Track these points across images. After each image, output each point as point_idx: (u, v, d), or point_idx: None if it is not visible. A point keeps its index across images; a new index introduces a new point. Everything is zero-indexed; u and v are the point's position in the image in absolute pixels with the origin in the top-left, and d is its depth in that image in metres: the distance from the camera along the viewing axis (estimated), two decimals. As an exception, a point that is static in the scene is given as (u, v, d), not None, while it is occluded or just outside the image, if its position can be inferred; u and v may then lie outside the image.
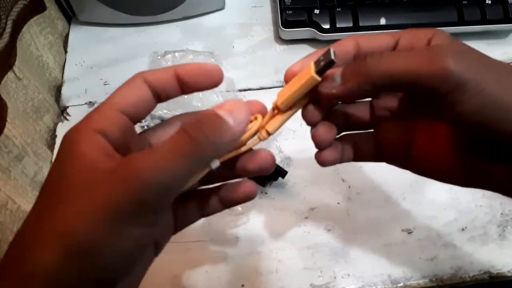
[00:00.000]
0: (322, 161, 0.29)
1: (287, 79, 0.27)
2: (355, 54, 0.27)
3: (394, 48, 0.27)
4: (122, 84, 0.24)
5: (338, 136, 0.30)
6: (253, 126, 0.26)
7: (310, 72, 0.24)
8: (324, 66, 0.24)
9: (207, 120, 0.22)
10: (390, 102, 0.29)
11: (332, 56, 0.24)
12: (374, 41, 0.27)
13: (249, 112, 0.23)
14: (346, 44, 0.27)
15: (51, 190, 0.22)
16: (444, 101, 0.23)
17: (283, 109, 0.26)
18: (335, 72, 0.25)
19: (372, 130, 0.30)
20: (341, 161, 0.30)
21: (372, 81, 0.24)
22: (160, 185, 0.20)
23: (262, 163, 0.26)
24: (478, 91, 0.22)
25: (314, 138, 0.28)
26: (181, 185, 0.22)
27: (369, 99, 0.30)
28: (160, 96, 0.25)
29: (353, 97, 0.26)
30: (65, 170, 0.22)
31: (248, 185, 0.27)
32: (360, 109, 0.30)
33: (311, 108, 0.27)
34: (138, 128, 0.47)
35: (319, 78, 0.24)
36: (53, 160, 0.22)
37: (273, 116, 0.27)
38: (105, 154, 0.22)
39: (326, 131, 0.28)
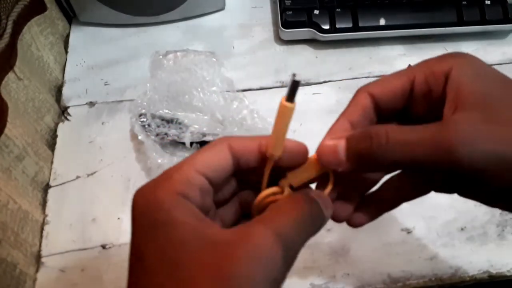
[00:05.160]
0: (353, 226, 0.29)
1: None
2: (373, 105, 0.26)
3: (411, 91, 0.25)
4: (205, 146, 0.24)
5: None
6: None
7: (283, 102, 0.23)
8: (291, 90, 0.23)
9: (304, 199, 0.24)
10: None
11: (296, 78, 0.23)
12: (388, 87, 0.26)
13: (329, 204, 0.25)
14: (361, 97, 0.26)
15: (156, 267, 0.20)
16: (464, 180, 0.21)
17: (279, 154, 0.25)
18: (339, 144, 0.24)
19: None
20: (386, 210, 0.29)
21: (378, 165, 0.23)
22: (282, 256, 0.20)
23: None
24: (502, 171, 0.20)
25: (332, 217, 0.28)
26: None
27: None
28: (240, 165, 0.24)
29: (361, 173, 0.25)
30: (165, 241, 0.20)
31: None
32: None
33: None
34: (139, 127, 0.47)
35: (292, 104, 0.23)
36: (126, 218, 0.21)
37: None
38: (199, 220, 0.21)
39: (341, 209, 0.28)
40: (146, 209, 0.21)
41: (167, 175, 0.22)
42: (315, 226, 0.24)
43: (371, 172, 0.24)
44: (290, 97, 0.23)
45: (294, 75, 0.22)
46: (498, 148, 0.20)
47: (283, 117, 0.23)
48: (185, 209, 0.21)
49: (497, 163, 0.20)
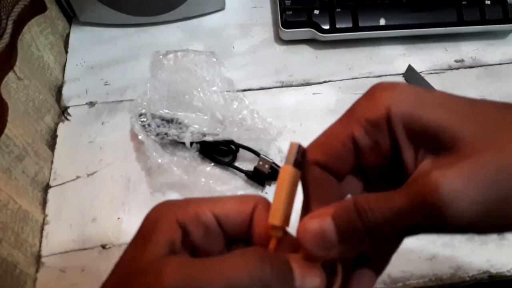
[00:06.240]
0: None
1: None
2: (327, 173, 0.23)
3: (356, 147, 0.22)
4: (234, 196, 0.24)
5: None
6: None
7: (289, 169, 0.22)
8: (298, 158, 0.22)
9: (281, 267, 0.21)
10: None
11: (301, 147, 0.22)
12: (329, 151, 0.22)
13: (323, 283, 0.22)
14: (314, 173, 0.23)
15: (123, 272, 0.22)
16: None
17: (283, 225, 0.23)
18: (325, 226, 0.21)
19: None
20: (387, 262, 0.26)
21: (369, 242, 0.20)
22: None
23: None
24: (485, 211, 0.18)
25: None
26: None
27: None
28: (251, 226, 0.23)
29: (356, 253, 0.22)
30: (139, 252, 0.22)
31: None
32: None
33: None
34: (139, 127, 0.47)
35: (298, 170, 0.23)
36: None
37: (277, 241, 0.23)
38: (170, 250, 0.21)
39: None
40: (149, 216, 0.23)
41: (186, 202, 0.23)
42: None
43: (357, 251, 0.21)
44: (289, 161, 0.22)
45: (299, 146, 0.23)
46: (478, 198, 0.18)
47: (286, 183, 0.22)
48: (164, 236, 0.21)
49: (480, 212, 0.18)
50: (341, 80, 0.56)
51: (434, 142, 0.20)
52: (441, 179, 0.18)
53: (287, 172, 0.22)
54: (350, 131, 0.22)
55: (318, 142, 0.23)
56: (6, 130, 0.41)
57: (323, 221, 0.21)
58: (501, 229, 0.19)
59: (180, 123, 0.48)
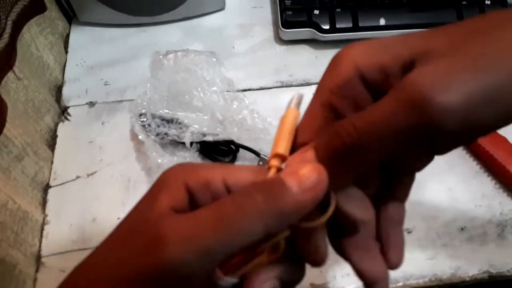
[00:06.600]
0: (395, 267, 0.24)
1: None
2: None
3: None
4: (249, 166, 0.24)
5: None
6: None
7: (293, 111, 0.24)
8: (299, 102, 0.25)
9: (261, 184, 0.20)
10: None
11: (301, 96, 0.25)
12: (308, 126, 0.23)
13: (324, 178, 0.20)
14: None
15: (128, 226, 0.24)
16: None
17: (286, 155, 0.23)
18: (306, 155, 0.21)
19: None
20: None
21: (356, 161, 0.20)
22: (186, 257, 0.19)
23: None
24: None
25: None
26: (211, 263, 0.19)
27: None
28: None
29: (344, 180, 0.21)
30: (143, 210, 0.24)
31: None
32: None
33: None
34: (139, 127, 0.47)
35: (298, 109, 0.25)
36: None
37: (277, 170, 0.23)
38: (174, 210, 0.21)
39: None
40: (160, 177, 0.23)
41: (199, 167, 0.23)
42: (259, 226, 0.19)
43: (350, 173, 0.21)
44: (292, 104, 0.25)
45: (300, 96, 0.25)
46: (468, 86, 0.17)
47: (284, 120, 0.24)
48: (168, 196, 0.22)
49: (472, 103, 0.17)
50: (341, 80, 0.56)
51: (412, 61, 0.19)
52: (426, 74, 0.17)
53: (290, 112, 0.24)
54: (327, 102, 0.22)
55: (301, 126, 0.23)
56: (5, 130, 0.41)
57: (304, 154, 0.21)
58: (496, 120, 0.18)
59: (180, 123, 0.48)
